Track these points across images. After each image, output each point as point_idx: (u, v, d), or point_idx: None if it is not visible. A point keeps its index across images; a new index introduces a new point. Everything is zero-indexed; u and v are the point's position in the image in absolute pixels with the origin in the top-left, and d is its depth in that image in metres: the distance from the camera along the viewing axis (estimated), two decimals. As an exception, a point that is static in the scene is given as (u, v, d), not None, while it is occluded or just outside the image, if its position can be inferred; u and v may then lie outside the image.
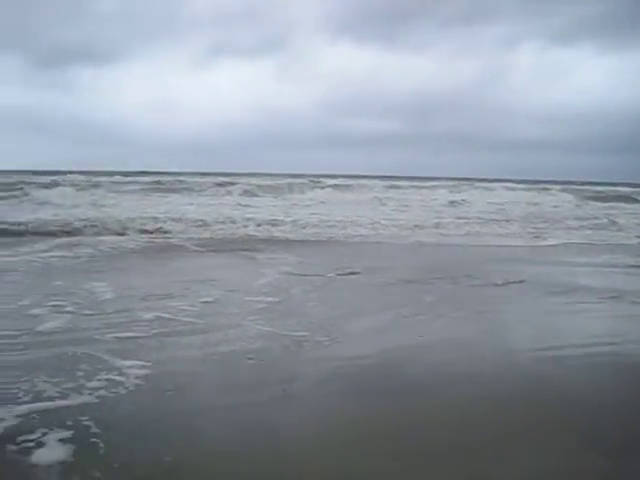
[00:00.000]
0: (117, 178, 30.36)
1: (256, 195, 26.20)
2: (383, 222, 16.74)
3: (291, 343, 5.38)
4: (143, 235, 13.42)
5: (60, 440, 3.34)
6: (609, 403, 4.25)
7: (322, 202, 23.22)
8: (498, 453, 3.44)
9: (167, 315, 6.19)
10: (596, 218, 20.47)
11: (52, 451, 3.22)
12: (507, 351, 5.50)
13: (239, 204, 21.33)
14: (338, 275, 8.99)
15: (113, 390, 4.11)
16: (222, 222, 15.45)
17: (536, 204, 25.99)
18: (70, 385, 4.16)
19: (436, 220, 17.82)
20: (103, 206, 19.13)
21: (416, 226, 16.27)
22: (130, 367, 4.55)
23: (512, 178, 42.65)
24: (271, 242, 12.94)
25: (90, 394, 4.02)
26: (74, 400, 3.92)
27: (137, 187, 26.87)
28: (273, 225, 15.24)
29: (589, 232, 16.84)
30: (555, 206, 25.76)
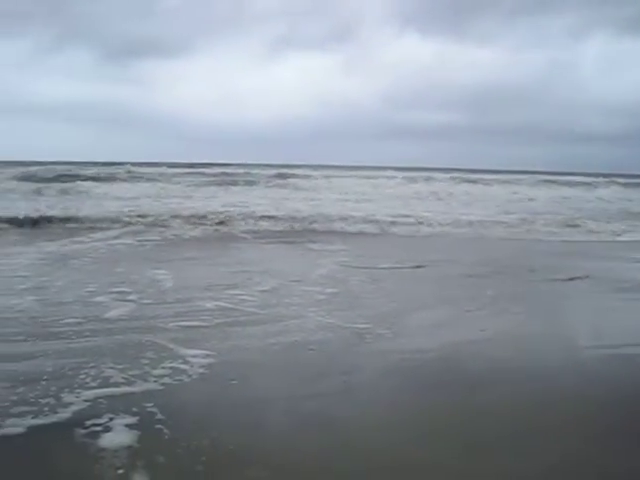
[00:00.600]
0: (182, 170, 30.88)
1: (318, 188, 26.16)
2: (445, 216, 16.45)
3: (352, 335, 5.34)
4: (205, 226, 13.58)
5: (126, 425, 3.39)
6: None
7: (385, 195, 23.00)
8: (559, 449, 3.33)
9: (229, 305, 6.24)
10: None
11: (119, 436, 3.27)
12: (570, 348, 5.32)
13: (303, 198, 21.36)
14: (401, 268, 8.90)
15: (177, 378, 4.16)
16: (284, 214, 15.50)
17: (608, 200, 24.89)
18: (135, 372, 4.23)
19: (501, 214, 17.39)
20: (169, 197, 19.49)
21: (480, 221, 15.85)
22: (194, 356, 4.59)
23: (579, 171, 41.32)
24: (331, 234, 12.92)
25: (155, 381, 4.08)
26: (139, 387, 3.98)
27: (203, 179, 27.22)
28: (335, 219, 15.17)
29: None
30: (629, 200, 24.65)
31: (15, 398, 3.72)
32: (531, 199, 23.95)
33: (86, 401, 3.71)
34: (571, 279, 8.29)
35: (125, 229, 12.60)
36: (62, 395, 3.78)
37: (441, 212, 17.53)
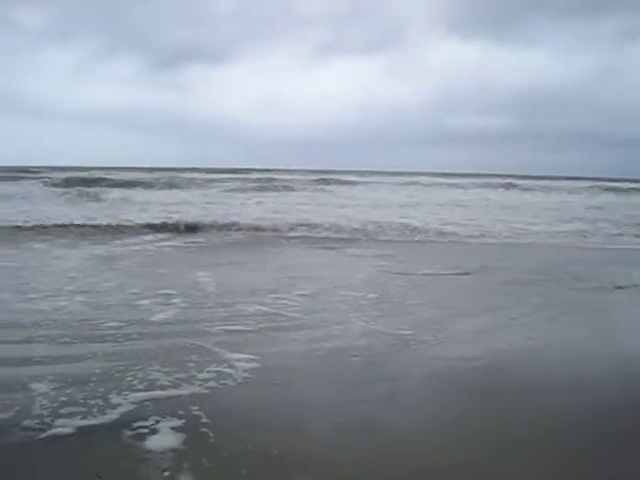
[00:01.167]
0: (226, 175, 31.23)
1: (360, 193, 26.15)
2: (492, 222, 16.17)
3: (396, 341, 5.30)
4: (247, 231, 13.65)
5: (172, 428, 3.43)
6: None
7: (429, 201, 22.75)
8: (600, 457, 3.29)
9: (272, 309, 6.26)
10: None
11: (165, 438, 3.31)
12: (617, 357, 5.18)
13: (344, 203, 21.36)
14: (445, 274, 8.81)
15: (222, 382, 4.19)
16: (325, 220, 15.50)
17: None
18: (181, 375, 4.27)
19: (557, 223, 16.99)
20: (213, 202, 19.71)
21: (531, 230, 15.38)
22: (239, 360, 4.62)
23: (630, 177, 40.36)
24: (374, 241, 12.86)
25: (200, 385, 4.11)
26: (185, 390, 4.01)
27: (247, 184, 27.45)
28: (378, 225, 15.10)
29: None
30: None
31: (65, 399, 3.79)
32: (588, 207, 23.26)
33: (133, 403, 3.76)
34: (618, 287, 8.10)
35: (165, 235, 12.73)
36: (110, 397, 3.84)
37: (491, 218, 17.33)
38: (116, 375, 4.25)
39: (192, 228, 13.53)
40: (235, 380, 4.24)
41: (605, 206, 23.27)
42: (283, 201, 21.23)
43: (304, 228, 14.18)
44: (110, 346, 4.91)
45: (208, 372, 4.35)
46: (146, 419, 3.52)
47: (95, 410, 3.64)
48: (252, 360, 4.64)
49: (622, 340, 5.79)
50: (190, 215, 15.50)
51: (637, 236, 14.81)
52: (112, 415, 3.58)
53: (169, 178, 27.62)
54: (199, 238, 12.36)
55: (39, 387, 3.97)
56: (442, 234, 14.11)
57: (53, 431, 3.37)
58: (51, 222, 13.36)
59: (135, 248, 10.93)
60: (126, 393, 3.91)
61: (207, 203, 19.70)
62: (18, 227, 12.69)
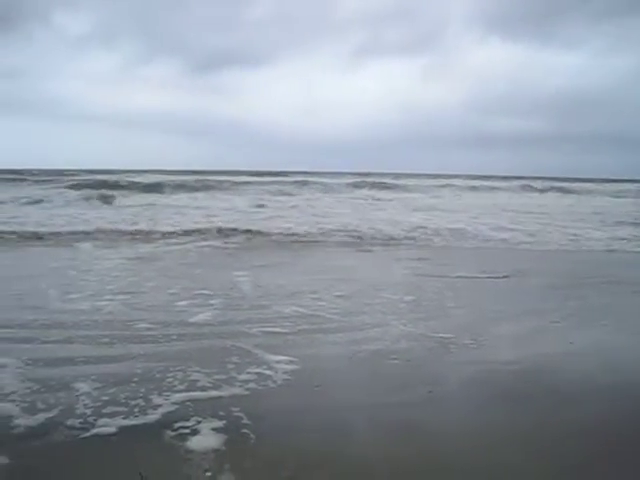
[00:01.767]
0: (263, 178, 31.33)
1: (398, 196, 26.01)
2: (542, 227, 15.76)
3: (436, 345, 5.23)
4: (281, 234, 13.60)
5: (213, 429, 3.42)
6: None
7: (469, 204, 22.43)
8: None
9: (310, 311, 6.24)
10: None
11: (206, 439, 3.31)
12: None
13: (382, 206, 21.27)
14: (484, 278, 8.70)
15: (263, 383, 4.18)
16: (362, 222, 15.45)
17: None
18: (221, 376, 4.27)
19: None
20: (250, 206, 19.83)
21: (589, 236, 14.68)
22: (278, 362, 4.61)
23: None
24: (415, 246, 12.74)
25: (241, 386, 4.11)
26: (225, 391, 4.02)
27: (282, 187, 27.47)
28: (415, 228, 14.98)
29: None
30: None
31: (107, 398, 3.83)
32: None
33: (174, 404, 3.78)
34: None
35: (201, 236, 12.81)
36: (151, 397, 3.86)
37: (532, 222, 17.05)
38: (157, 375, 4.27)
39: (224, 230, 13.49)
40: (275, 382, 4.23)
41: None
42: (319, 203, 21.21)
43: (341, 232, 14.08)
44: (151, 347, 4.95)
45: (248, 373, 4.35)
46: (187, 420, 3.53)
47: (137, 410, 3.66)
48: (291, 362, 4.62)
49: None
50: (229, 219, 15.59)
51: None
52: (154, 415, 3.60)
53: (207, 181, 27.81)
54: (234, 241, 12.38)
55: (82, 387, 4.02)
56: (488, 240, 13.61)
57: (96, 430, 3.39)
58: (93, 226, 13.52)
59: (174, 249, 11.04)
60: (167, 394, 3.93)
61: (246, 206, 19.80)
62: (57, 233, 12.80)
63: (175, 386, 4.08)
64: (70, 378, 4.18)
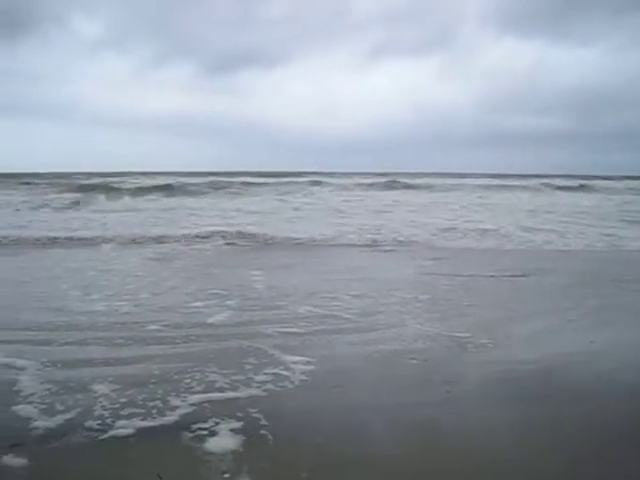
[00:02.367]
0: (281, 179, 31.25)
1: (414, 195, 25.88)
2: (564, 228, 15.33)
3: (454, 344, 5.20)
4: (297, 235, 13.55)
5: (231, 430, 3.42)
6: None
7: (484, 204, 22.20)
8: None
9: (327, 312, 6.22)
10: None
11: (224, 440, 3.30)
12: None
13: (397, 204, 21.18)
14: (501, 276, 8.64)
15: (280, 384, 4.17)
16: (372, 220, 15.37)
17: None
18: (239, 377, 4.27)
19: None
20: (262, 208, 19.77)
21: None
22: (295, 362, 4.59)
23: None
24: (433, 248, 12.66)
25: (258, 387, 4.10)
26: (243, 392, 4.01)
27: (299, 187, 27.37)
28: (430, 229, 14.88)
29: None
30: None
31: (124, 400, 3.83)
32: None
33: (192, 405, 3.77)
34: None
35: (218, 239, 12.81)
36: (169, 398, 3.86)
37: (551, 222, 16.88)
38: (174, 377, 4.27)
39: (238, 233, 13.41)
40: (292, 382, 4.21)
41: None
42: (334, 203, 21.15)
43: (354, 230, 13.99)
44: (168, 348, 4.95)
45: (265, 374, 4.34)
46: (205, 421, 3.52)
47: (154, 412, 3.66)
48: (309, 362, 4.60)
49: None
50: (244, 222, 15.62)
51: None
52: (171, 417, 3.60)
53: (221, 182, 27.87)
54: (247, 243, 12.38)
55: (100, 388, 4.03)
56: (520, 241, 13.20)
57: (114, 432, 3.40)
58: (110, 233, 13.53)
59: (192, 250, 11.08)
60: (184, 395, 3.92)
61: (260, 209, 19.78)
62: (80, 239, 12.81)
63: (193, 387, 4.07)
64: (88, 380, 4.19)
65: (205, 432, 3.38)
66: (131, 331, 5.42)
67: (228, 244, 12.09)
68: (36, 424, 3.49)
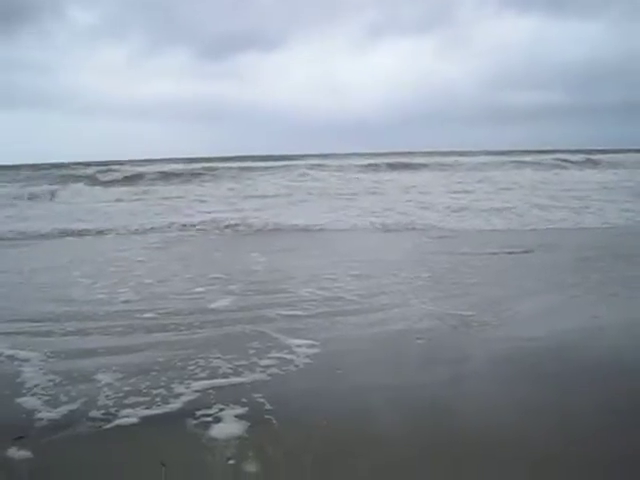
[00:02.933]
0: (277, 163, 30.91)
1: (417, 175, 25.68)
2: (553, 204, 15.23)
3: (459, 323, 5.17)
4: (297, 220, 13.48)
5: (236, 416, 3.39)
6: None
7: (493, 182, 21.79)
8: None
9: (330, 294, 6.20)
10: None
11: (229, 426, 3.28)
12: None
13: (397, 186, 21.05)
14: (504, 253, 8.60)
15: (284, 368, 4.14)
16: (371, 201, 15.22)
17: None
18: (243, 362, 4.24)
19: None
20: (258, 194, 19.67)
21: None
22: (299, 346, 4.56)
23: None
24: (441, 229, 12.57)
25: (262, 372, 4.07)
26: (247, 377, 3.98)
27: (303, 170, 27.01)
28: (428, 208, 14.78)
29: None
30: None
31: (128, 389, 3.81)
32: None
33: (196, 392, 3.75)
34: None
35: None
36: (173, 386, 3.84)
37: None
38: (178, 364, 4.25)
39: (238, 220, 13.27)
40: (297, 366, 4.19)
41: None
42: (338, 188, 20.99)
43: (359, 217, 13.84)
44: (171, 335, 4.94)
45: (269, 358, 4.31)
46: (209, 407, 3.50)
47: (159, 400, 3.64)
48: (313, 346, 4.58)
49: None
50: (246, 207, 15.53)
51: None
52: (175, 404, 3.58)
53: (224, 168, 27.64)
54: (249, 229, 12.34)
55: (104, 378, 4.01)
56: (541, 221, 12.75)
57: (118, 421, 3.37)
58: (111, 223, 13.49)
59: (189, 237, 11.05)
60: (188, 382, 3.90)
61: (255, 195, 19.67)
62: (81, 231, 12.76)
63: (196, 374, 4.05)
64: (92, 369, 4.17)
65: (209, 419, 3.36)
66: (134, 319, 5.41)
67: (227, 230, 12.01)
68: (40, 415, 3.47)
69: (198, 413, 3.43)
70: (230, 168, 27.53)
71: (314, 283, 6.72)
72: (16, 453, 3.04)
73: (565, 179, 23.06)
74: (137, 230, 12.20)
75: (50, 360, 4.41)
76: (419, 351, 4.56)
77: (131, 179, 24.48)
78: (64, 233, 11.96)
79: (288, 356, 4.36)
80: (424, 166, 29.01)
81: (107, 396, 3.71)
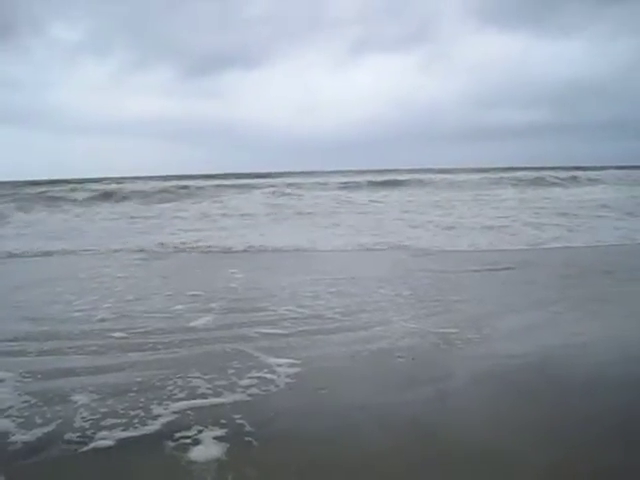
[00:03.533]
0: (265, 180, 30.92)
1: (401, 194, 25.81)
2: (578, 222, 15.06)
3: (441, 341, 5.14)
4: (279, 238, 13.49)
5: (215, 438, 3.33)
6: None
7: (480, 200, 21.88)
8: None
9: (310, 312, 6.15)
10: None
11: (208, 449, 3.21)
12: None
13: (375, 207, 21.09)
14: (485, 270, 8.63)
15: (265, 388, 4.08)
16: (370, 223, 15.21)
17: None
18: (222, 382, 4.18)
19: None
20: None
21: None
22: (280, 365, 4.51)
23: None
24: (417, 246, 12.63)
25: (242, 392, 4.01)
26: (227, 398, 3.91)
27: (284, 188, 26.96)
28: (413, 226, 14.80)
29: None
30: None
31: (105, 410, 3.73)
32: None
33: (174, 413, 3.68)
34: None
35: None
36: (151, 407, 3.77)
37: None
38: (156, 384, 4.17)
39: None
40: (277, 386, 4.13)
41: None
42: (320, 207, 21.01)
43: (341, 237, 13.80)
44: (149, 354, 4.85)
45: (249, 378, 4.25)
46: (188, 429, 3.43)
47: (136, 421, 3.56)
48: (294, 365, 4.52)
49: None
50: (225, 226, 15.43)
51: None
52: (153, 426, 3.50)
53: (204, 186, 27.60)
54: (229, 248, 12.27)
55: (80, 398, 3.92)
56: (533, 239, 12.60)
57: (94, 444, 3.29)
58: (84, 242, 13.33)
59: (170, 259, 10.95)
60: (167, 403, 3.83)
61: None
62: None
63: (175, 394, 3.98)
64: (68, 390, 4.08)
65: (188, 441, 3.29)
66: (110, 338, 5.31)
67: (207, 249, 11.88)
68: (14, 438, 3.37)
69: (177, 435, 3.36)
70: (211, 186, 27.54)
71: (294, 300, 6.67)
72: (-12, 478, 2.95)
73: (549, 195, 23.32)
74: (115, 249, 11.92)
75: (25, 380, 4.31)
76: (401, 370, 4.52)
77: (108, 196, 24.35)
78: (40, 252, 11.73)
79: (269, 375, 4.30)
80: (406, 183, 29.14)
81: (83, 417, 3.62)
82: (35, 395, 4.00)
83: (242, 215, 18.37)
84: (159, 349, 4.99)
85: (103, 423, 3.53)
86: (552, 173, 32.25)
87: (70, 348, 5.05)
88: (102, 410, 3.72)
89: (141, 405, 3.79)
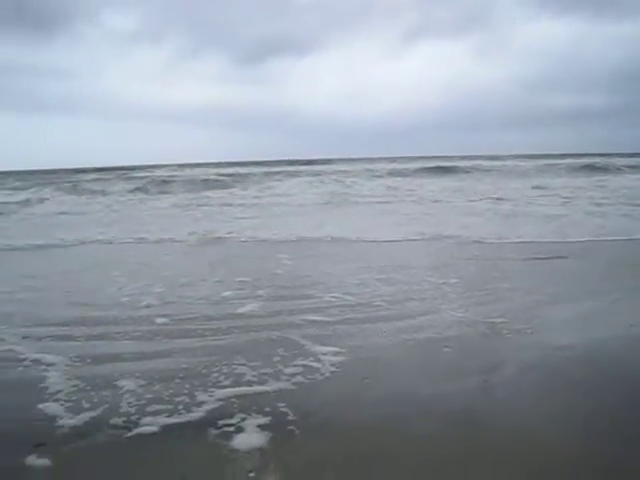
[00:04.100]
0: (315, 167, 30.93)
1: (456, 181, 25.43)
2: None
3: (489, 331, 5.02)
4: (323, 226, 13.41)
5: (258, 426, 3.32)
6: None
7: (537, 187, 21.27)
8: None
9: (357, 300, 6.09)
10: None
11: (251, 437, 3.20)
12: None
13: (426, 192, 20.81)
14: (537, 259, 8.40)
15: (310, 377, 4.05)
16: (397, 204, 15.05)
17: None
18: (268, 370, 4.17)
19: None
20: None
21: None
22: (325, 353, 4.48)
23: None
24: (467, 235, 12.37)
25: (287, 380, 3.99)
26: (271, 386, 3.90)
27: (330, 177, 26.93)
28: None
29: None
30: None
31: (151, 396, 3.76)
32: None
33: (219, 400, 3.68)
34: None
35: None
36: (196, 394, 3.78)
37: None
38: (202, 371, 4.19)
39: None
40: (322, 374, 4.10)
41: None
42: (370, 194, 20.86)
43: (392, 225, 13.67)
44: (196, 341, 4.88)
45: (294, 366, 4.23)
46: (232, 417, 3.43)
47: (181, 407, 3.58)
48: (339, 353, 4.48)
49: None
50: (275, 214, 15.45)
51: None
52: (197, 413, 3.51)
53: (259, 173, 27.75)
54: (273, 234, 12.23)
55: (126, 384, 3.96)
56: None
57: (139, 430, 3.32)
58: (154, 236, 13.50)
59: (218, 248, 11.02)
60: (212, 390, 3.84)
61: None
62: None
63: (220, 382, 3.98)
64: (115, 375, 4.13)
65: (231, 428, 3.29)
66: (158, 325, 5.36)
67: (254, 239, 11.85)
68: (61, 422, 3.43)
69: (220, 422, 3.36)
70: (261, 173, 27.68)
71: (340, 288, 6.62)
72: (36, 461, 3.00)
73: (606, 184, 22.46)
74: (165, 238, 11.88)
75: (75, 365, 4.39)
76: (448, 360, 4.43)
77: (158, 184, 24.67)
78: (90, 240, 11.93)
79: (314, 364, 4.28)
80: (456, 170, 28.70)
81: (129, 403, 3.66)
82: (83, 379, 4.07)
83: (292, 204, 18.37)
84: (206, 335, 5.01)
85: (148, 409, 3.56)
86: (607, 160, 31.18)
87: (118, 333, 5.12)
88: (147, 396, 3.76)
89: (186, 392, 3.81)
